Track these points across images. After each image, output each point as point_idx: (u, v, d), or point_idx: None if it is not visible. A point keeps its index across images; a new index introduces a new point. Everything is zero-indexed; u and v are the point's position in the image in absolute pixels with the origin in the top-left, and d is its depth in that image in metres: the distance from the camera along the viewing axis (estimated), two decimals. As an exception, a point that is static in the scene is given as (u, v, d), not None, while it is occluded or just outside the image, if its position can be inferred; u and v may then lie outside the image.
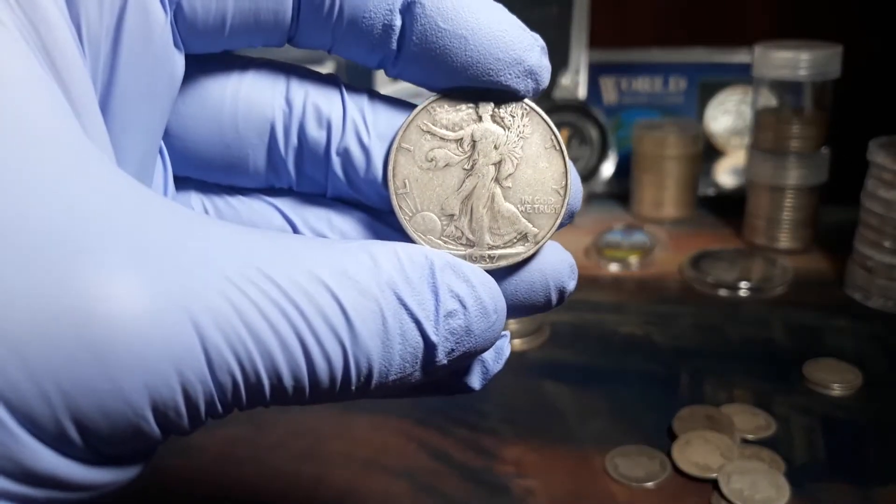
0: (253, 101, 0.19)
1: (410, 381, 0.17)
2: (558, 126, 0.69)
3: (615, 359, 0.44)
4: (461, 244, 0.19)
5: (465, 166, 0.19)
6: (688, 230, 0.61)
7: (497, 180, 0.19)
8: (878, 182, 0.46)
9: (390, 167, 0.19)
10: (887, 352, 0.43)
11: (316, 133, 0.19)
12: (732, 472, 0.33)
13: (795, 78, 0.53)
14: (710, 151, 0.66)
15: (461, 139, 0.19)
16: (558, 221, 0.19)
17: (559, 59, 0.68)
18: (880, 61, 0.66)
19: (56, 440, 0.13)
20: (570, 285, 0.20)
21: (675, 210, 0.62)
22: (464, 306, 0.17)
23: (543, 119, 0.19)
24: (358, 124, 0.19)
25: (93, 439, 0.14)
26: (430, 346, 0.16)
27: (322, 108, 0.19)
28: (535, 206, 0.19)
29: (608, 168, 0.64)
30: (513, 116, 0.19)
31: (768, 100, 0.55)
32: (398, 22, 0.17)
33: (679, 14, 0.71)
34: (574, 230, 0.61)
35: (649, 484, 0.33)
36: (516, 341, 0.45)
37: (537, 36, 0.18)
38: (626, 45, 0.69)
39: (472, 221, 0.19)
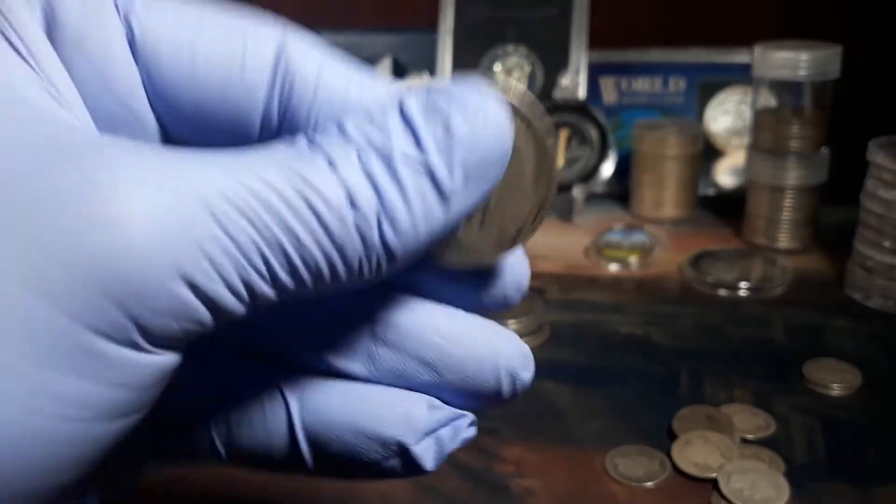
0: None
1: (434, 223, 0.16)
2: (558, 126, 0.69)
3: (615, 359, 0.44)
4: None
5: None
6: (688, 230, 0.61)
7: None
8: (877, 182, 0.46)
9: None
10: (887, 352, 0.43)
11: None
12: (732, 472, 0.33)
13: (795, 78, 0.53)
14: (709, 151, 0.66)
15: None
16: (550, 194, 0.18)
17: (559, 59, 0.68)
18: (880, 61, 0.66)
19: (124, 339, 0.14)
20: (524, 375, 0.19)
21: (674, 210, 0.62)
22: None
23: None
24: None
25: (150, 333, 0.14)
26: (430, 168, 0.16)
27: None
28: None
29: (608, 168, 0.64)
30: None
31: (768, 100, 0.55)
32: None
33: (679, 14, 0.71)
34: (574, 230, 0.61)
35: (649, 484, 0.33)
36: (516, 341, 0.45)
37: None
38: (626, 46, 0.69)
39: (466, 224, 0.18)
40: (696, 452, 0.35)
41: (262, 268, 0.15)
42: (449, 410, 0.19)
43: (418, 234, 0.16)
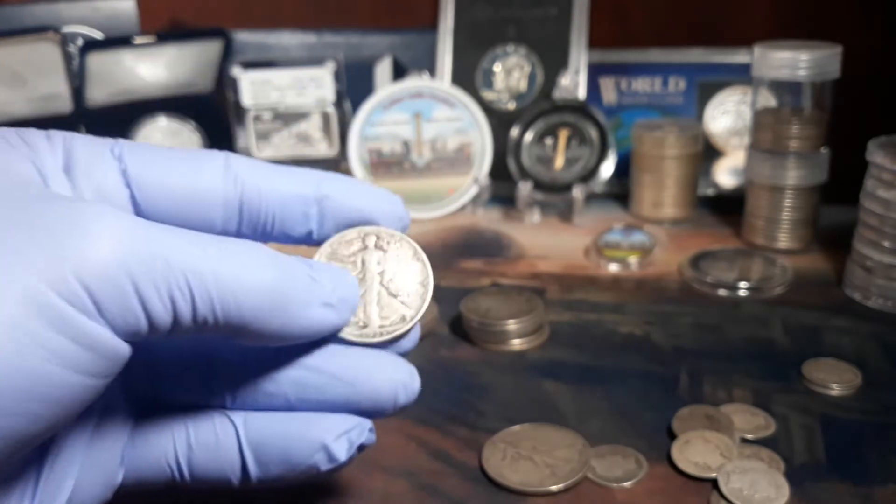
0: None
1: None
2: (558, 126, 0.69)
3: (615, 359, 0.44)
4: (360, 327, 0.27)
5: (360, 277, 0.27)
6: (687, 230, 0.61)
7: (382, 283, 0.28)
8: (877, 182, 0.46)
9: None
10: (887, 352, 0.43)
11: None
12: (732, 472, 0.33)
13: (795, 78, 0.53)
14: (709, 151, 0.66)
15: (355, 262, 0.28)
16: (424, 305, 0.27)
17: (559, 59, 0.68)
18: (880, 61, 0.66)
19: (84, 308, 0.20)
20: (413, 385, 0.27)
21: (674, 210, 0.62)
22: None
23: (410, 242, 0.28)
24: None
25: (102, 309, 0.21)
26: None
27: None
28: (409, 297, 0.27)
29: (608, 168, 0.64)
30: (388, 243, 0.28)
31: (768, 100, 0.55)
32: (314, 210, 0.27)
33: (679, 14, 0.71)
34: (574, 230, 0.62)
35: (627, 483, 0.33)
36: (516, 341, 0.45)
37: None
38: (626, 46, 0.69)
39: (365, 312, 0.27)
40: (696, 452, 0.35)
41: (186, 291, 0.22)
42: (355, 418, 0.26)
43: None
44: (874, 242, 0.47)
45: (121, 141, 0.26)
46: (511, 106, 0.69)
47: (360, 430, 0.26)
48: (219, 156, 0.26)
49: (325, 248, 0.28)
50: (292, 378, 0.26)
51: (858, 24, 0.66)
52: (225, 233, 0.26)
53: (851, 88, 0.56)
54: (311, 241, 0.28)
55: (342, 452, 0.26)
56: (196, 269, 0.22)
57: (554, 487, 0.33)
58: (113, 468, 0.26)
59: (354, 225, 0.28)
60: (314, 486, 0.34)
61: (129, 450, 0.27)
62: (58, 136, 0.25)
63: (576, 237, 0.60)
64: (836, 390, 0.39)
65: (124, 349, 0.22)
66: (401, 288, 0.28)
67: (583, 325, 0.47)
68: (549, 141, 0.65)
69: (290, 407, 0.26)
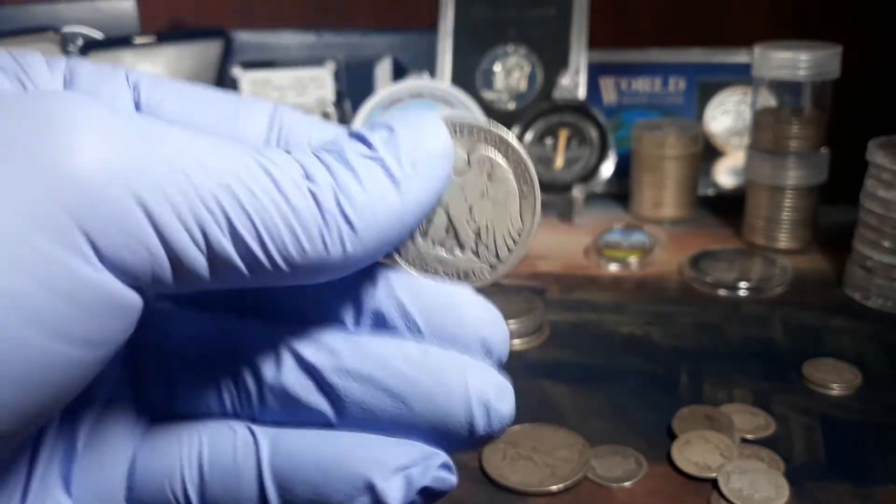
0: None
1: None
2: (558, 126, 0.69)
3: (615, 359, 0.44)
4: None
5: None
6: (687, 230, 0.61)
7: (448, 212, 0.19)
8: (877, 182, 0.46)
9: None
10: (887, 352, 0.43)
11: None
12: (732, 472, 0.33)
13: (795, 78, 0.53)
14: (709, 151, 0.66)
15: None
16: (506, 267, 0.19)
17: (559, 59, 0.68)
18: (880, 61, 0.66)
19: (73, 247, 0.15)
20: (500, 407, 0.19)
21: (674, 210, 0.62)
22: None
23: (516, 149, 0.19)
24: None
25: (99, 249, 0.15)
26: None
27: None
28: (485, 247, 0.19)
29: (608, 168, 0.64)
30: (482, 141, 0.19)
31: (767, 100, 0.55)
32: None
33: (679, 14, 0.71)
34: (574, 230, 0.62)
35: (627, 483, 0.33)
36: (516, 341, 0.45)
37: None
38: (626, 46, 0.69)
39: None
40: (696, 452, 0.35)
41: (220, 216, 0.15)
42: (421, 448, 0.18)
43: (376, 214, 0.16)
44: (874, 242, 0.47)
45: (138, 70, 0.20)
46: (511, 106, 0.69)
47: (425, 465, 0.18)
48: (265, 106, 0.19)
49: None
50: (329, 377, 0.18)
51: (858, 24, 0.66)
52: None
53: (851, 88, 0.56)
54: None
55: (395, 496, 0.18)
56: (227, 176, 0.15)
57: (554, 487, 0.33)
58: (114, 485, 0.19)
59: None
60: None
61: (134, 466, 0.20)
62: (60, 60, 0.19)
63: (576, 237, 0.60)
64: (836, 390, 0.39)
65: (133, 301, 0.16)
66: (480, 228, 0.19)
67: (583, 325, 0.47)
68: (549, 141, 0.65)
69: (328, 424, 0.18)
